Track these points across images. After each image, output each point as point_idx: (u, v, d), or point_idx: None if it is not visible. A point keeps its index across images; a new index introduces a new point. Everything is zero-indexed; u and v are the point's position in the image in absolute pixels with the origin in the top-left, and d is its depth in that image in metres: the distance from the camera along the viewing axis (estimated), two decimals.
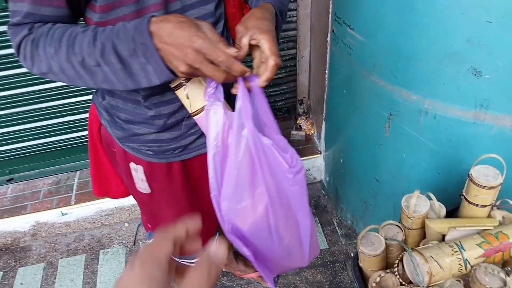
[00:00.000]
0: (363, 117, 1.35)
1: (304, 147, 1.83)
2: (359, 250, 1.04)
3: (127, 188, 1.01)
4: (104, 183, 1.02)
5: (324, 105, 1.62)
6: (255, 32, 0.65)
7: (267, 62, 0.65)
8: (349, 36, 1.23)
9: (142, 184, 0.91)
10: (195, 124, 0.84)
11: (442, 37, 0.98)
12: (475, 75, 0.98)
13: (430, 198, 1.08)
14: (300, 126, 1.89)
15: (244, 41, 0.66)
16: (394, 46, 1.10)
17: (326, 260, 1.66)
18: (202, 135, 0.86)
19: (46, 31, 0.63)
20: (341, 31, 1.27)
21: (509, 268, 0.90)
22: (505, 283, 0.85)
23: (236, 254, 1.61)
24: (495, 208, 1.04)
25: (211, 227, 1.11)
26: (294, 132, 1.86)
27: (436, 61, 1.02)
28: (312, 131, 1.87)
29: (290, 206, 0.75)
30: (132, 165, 0.88)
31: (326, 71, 1.49)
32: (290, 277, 1.61)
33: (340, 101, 1.46)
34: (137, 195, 0.98)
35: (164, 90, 0.77)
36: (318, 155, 1.79)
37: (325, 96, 1.58)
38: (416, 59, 1.06)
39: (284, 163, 0.69)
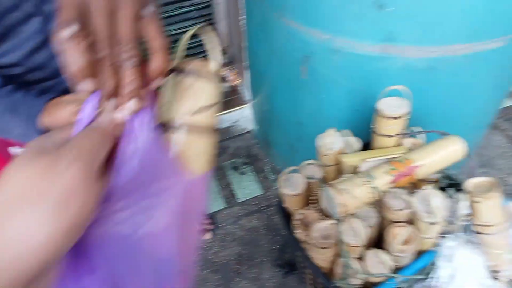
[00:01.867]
0: (280, 61, 1.34)
1: (231, 99, 1.81)
2: (281, 191, 1.07)
3: None
4: None
5: (245, 53, 1.58)
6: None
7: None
8: None
9: None
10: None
11: None
12: (379, 8, 0.99)
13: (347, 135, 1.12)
14: (226, 77, 1.85)
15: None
16: None
17: (261, 206, 1.71)
18: None
19: None
20: None
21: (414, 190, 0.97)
22: (408, 204, 0.92)
23: None
24: (406, 137, 1.10)
25: None
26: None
27: None
28: (238, 81, 1.84)
29: None
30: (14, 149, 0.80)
31: (242, 17, 1.44)
32: (228, 226, 1.65)
33: (258, 46, 1.44)
34: None
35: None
36: (245, 105, 1.78)
37: (246, 44, 1.54)
38: None
39: None
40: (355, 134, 1.12)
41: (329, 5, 1.05)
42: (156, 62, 0.36)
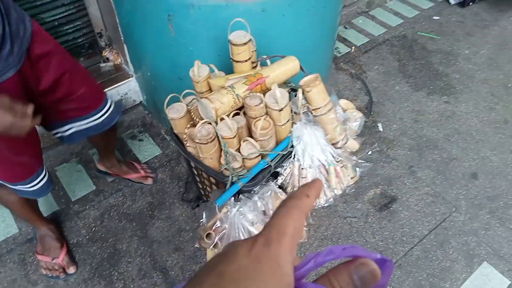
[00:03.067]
0: (150, 26, 1.58)
1: (116, 75, 2.00)
2: (169, 117, 1.33)
3: None
4: None
5: (120, 29, 1.80)
6: None
7: None
8: None
9: None
10: None
11: None
12: None
13: (212, 70, 1.43)
14: (107, 58, 2.03)
15: None
16: None
17: (163, 161, 1.94)
18: None
19: None
20: None
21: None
22: (261, 100, 1.25)
23: (117, 159, 1.78)
24: (257, 62, 1.45)
25: (37, 149, 1.28)
26: (102, 65, 2.00)
27: None
28: (119, 60, 2.04)
29: None
30: None
31: None
32: (137, 184, 1.85)
33: (128, 19, 1.66)
34: None
35: None
36: (130, 78, 1.99)
37: (117, 20, 1.75)
38: None
39: None
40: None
41: None
42: None
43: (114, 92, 1.97)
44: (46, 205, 1.78)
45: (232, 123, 1.22)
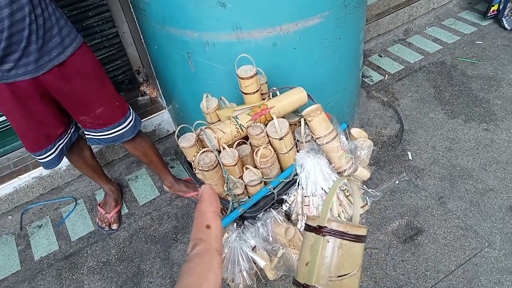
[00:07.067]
0: (174, 63, 1.73)
1: (151, 108, 2.18)
2: (180, 146, 1.43)
3: None
4: None
5: (152, 67, 1.97)
6: None
7: None
8: (140, 2, 1.60)
9: None
10: (7, 55, 1.19)
11: None
12: (222, 6, 1.42)
13: (224, 103, 1.52)
14: (144, 92, 2.23)
15: None
16: None
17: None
18: (14, 67, 1.22)
19: None
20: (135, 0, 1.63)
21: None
22: (262, 130, 1.31)
23: (176, 177, 1.95)
24: (267, 95, 1.51)
25: (51, 133, 1.50)
26: (140, 98, 2.19)
27: (194, 2, 1.43)
28: (155, 94, 2.22)
29: None
30: None
31: (141, 37, 1.84)
32: (163, 208, 1.96)
33: (157, 57, 1.83)
34: None
35: None
36: (163, 110, 2.15)
37: (149, 59, 1.93)
38: (184, 5, 1.46)
39: None
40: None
41: (191, 11, 1.46)
42: None
43: (149, 123, 2.14)
44: (84, 226, 1.95)
45: (233, 151, 1.29)
